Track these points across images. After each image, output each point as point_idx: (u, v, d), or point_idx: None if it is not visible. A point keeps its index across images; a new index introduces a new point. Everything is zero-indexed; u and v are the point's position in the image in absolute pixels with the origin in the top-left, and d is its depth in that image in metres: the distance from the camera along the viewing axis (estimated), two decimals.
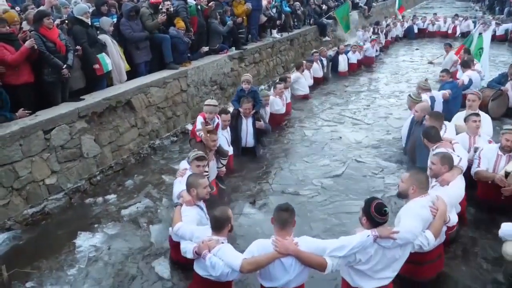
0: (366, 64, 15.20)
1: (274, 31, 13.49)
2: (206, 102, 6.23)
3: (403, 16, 21.30)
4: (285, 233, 3.47)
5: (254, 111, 7.48)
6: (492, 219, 5.08)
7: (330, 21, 17.52)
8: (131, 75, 8.10)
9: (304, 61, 11.88)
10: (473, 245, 4.84)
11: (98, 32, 7.55)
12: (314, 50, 13.39)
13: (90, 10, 7.80)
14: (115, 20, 8.34)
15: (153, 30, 8.57)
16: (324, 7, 17.88)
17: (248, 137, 7.41)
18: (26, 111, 5.95)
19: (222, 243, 3.58)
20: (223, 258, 3.45)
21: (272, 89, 9.64)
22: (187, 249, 3.70)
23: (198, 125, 5.88)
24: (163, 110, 8.25)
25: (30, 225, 5.53)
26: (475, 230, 5.09)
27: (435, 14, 23.63)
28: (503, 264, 4.37)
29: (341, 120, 9.34)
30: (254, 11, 11.81)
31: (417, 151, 6.00)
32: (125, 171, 7.06)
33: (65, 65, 6.33)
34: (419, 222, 3.54)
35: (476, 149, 5.55)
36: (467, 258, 4.62)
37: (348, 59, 14.07)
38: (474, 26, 17.94)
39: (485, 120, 6.22)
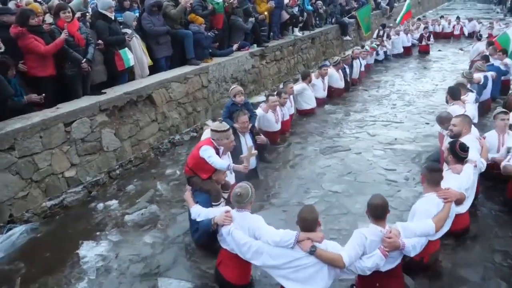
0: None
1: (296, 29, 13.33)
2: (214, 127, 4.79)
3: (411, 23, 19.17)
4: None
5: (251, 125, 6.35)
6: None
7: (352, 20, 17.24)
8: (152, 70, 8.03)
9: (317, 70, 10.49)
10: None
11: (121, 26, 7.48)
12: (337, 58, 11.19)
13: (114, 5, 7.73)
14: (137, 14, 8.27)
15: (178, 18, 8.48)
16: (347, 7, 17.61)
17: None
18: (38, 97, 5.84)
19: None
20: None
21: (262, 102, 8.02)
22: (201, 213, 4.11)
23: (210, 156, 4.55)
24: (184, 105, 8.15)
25: (49, 217, 5.48)
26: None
27: (458, 18, 22.95)
28: None
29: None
30: (276, 9, 11.67)
31: None
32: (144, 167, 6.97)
33: (84, 59, 6.28)
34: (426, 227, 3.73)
35: (509, 149, 5.38)
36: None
37: (360, 65, 12.62)
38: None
39: None
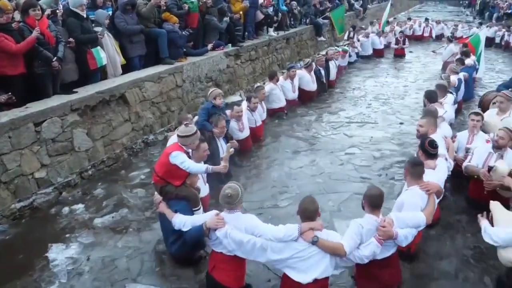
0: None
1: (271, 29, 13.39)
2: (182, 133, 4.46)
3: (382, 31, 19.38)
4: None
5: (226, 129, 6.31)
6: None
7: (326, 21, 17.43)
8: (125, 69, 7.94)
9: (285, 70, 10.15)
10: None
11: (93, 25, 7.36)
12: (308, 60, 10.94)
13: (86, 3, 7.60)
14: (110, 13, 8.16)
15: (149, 17, 8.41)
16: (321, 7, 17.79)
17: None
18: (6, 96, 5.66)
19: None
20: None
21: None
22: (186, 222, 3.97)
23: (183, 161, 4.31)
24: (158, 105, 8.09)
25: (18, 219, 5.37)
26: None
27: (426, 19, 23.66)
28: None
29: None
30: (250, 9, 11.71)
31: None
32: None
33: (55, 57, 6.16)
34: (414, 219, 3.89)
35: (467, 150, 5.69)
36: None
37: (336, 66, 12.43)
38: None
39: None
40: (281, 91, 9.39)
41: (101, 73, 7.45)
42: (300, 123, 9.00)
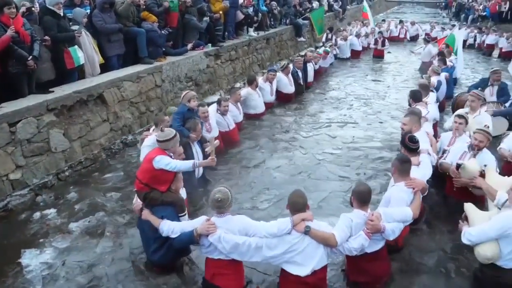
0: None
1: (251, 30, 13.42)
2: (161, 138, 4.36)
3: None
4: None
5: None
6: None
7: (306, 21, 17.55)
8: (104, 68, 7.84)
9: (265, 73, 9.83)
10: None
11: (71, 23, 7.24)
12: (284, 62, 10.95)
13: (63, 1, 7.48)
14: (88, 11, 8.04)
15: (127, 15, 8.33)
16: (300, 8, 17.90)
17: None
18: None
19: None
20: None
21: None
22: (174, 228, 3.90)
23: (168, 163, 4.24)
24: (137, 105, 8.02)
25: None
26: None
27: (400, 21, 24.33)
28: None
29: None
30: (231, 8, 11.70)
31: None
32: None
33: (30, 56, 6.03)
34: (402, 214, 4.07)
35: (444, 151, 5.83)
36: None
37: (314, 68, 12.30)
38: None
39: (485, 120, 6.41)
40: (260, 97, 9.15)
41: (79, 72, 7.34)
42: (279, 124, 8.90)
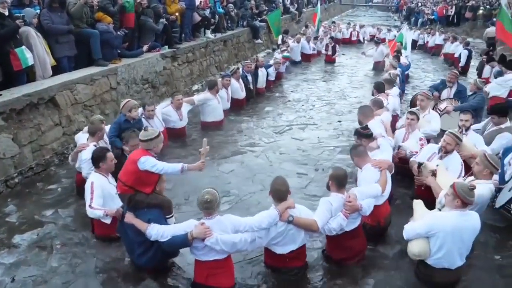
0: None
1: (208, 31, 13.39)
2: (144, 137, 4.20)
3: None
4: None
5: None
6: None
7: (263, 24, 17.69)
8: (55, 70, 7.57)
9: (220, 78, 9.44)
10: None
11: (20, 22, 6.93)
12: (233, 67, 10.44)
13: (9, 0, 7.17)
14: (38, 11, 7.74)
15: (79, 16, 8.08)
16: (256, 10, 18.02)
17: None
18: None
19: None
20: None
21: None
22: (164, 232, 3.86)
23: (154, 165, 4.10)
24: (91, 108, 7.80)
25: None
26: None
27: (348, 23, 25.53)
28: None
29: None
30: (187, 10, 11.62)
31: None
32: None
33: None
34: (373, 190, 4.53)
35: (399, 147, 6.14)
36: None
37: (267, 74, 11.93)
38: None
39: (434, 119, 6.76)
40: (220, 103, 8.66)
41: (29, 74, 7.06)
42: (238, 131, 8.66)
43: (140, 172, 4.08)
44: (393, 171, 5.17)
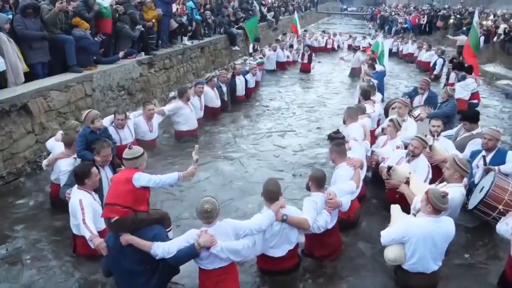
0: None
1: (185, 38, 13.36)
2: (129, 155, 4.06)
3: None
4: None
5: (112, 155, 5.27)
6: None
7: (240, 31, 17.77)
8: (28, 77, 7.41)
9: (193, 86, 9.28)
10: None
11: None
12: (208, 75, 10.32)
13: None
14: (10, 17, 7.59)
15: (54, 22, 7.95)
16: (233, 17, 18.09)
17: None
18: None
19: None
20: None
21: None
22: (170, 248, 3.75)
23: (150, 179, 4.00)
24: (65, 115, 7.66)
25: None
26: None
27: (323, 31, 26.35)
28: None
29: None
30: (164, 17, 11.59)
31: None
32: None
33: None
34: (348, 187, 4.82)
35: (372, 152, 6.34)
36: None
37: (246, 82, 11.78)
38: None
39: (410, 126, 6.91)
40: (192, 111, 8.41)
41: (0, 81, 6.90)
42: (214, 139, 8.63)
43: (137, 190, 3.91)
44: (365, 169, 5.71)
